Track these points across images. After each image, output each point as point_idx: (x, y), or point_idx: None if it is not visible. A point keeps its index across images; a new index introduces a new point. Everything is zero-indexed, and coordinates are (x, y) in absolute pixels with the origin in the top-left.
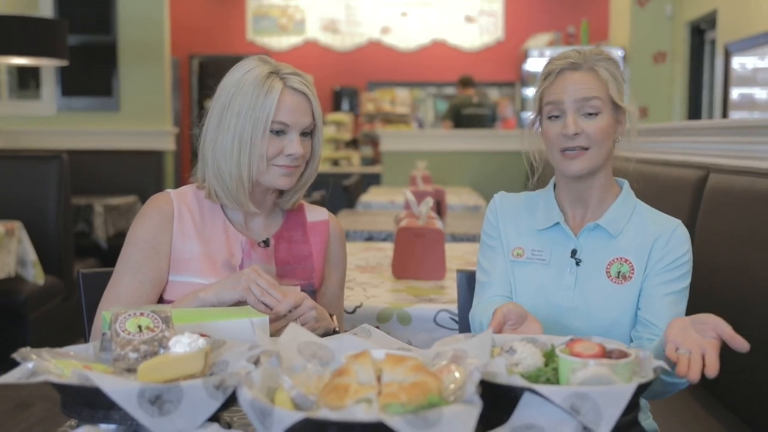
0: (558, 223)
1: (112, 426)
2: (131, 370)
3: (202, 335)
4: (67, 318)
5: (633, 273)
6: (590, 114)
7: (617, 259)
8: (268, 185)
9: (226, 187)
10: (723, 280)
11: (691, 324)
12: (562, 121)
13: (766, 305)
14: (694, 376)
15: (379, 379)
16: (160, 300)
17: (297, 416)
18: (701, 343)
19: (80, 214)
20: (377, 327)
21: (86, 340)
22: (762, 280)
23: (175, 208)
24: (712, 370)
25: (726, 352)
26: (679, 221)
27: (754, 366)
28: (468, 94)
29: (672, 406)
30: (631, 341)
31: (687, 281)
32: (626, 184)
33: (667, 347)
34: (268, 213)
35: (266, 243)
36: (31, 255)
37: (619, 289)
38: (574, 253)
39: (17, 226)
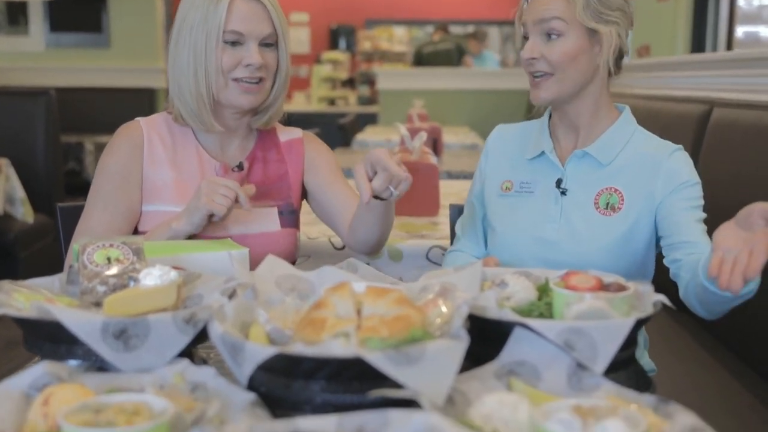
0: (544, 152)
1: (76, 362)
2: (99, 304)
3: (177, 268)
4: (58, 256)
5: (623, 204)
6: (551, 36)
7: (607, 189)
8: (228, 104)
9: (188, 106)
10: (727, 218)
11: (735, 224)
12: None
13: None
14: (735, 286)
15: (359, 312)
16: (136, 232)
17: (269, 351)
18: (750, 239)
19: (71, 152)
20: (367, 264)
21: None
22: None
23: (144, 135)
24: (752, 274)
25: None
26: (680, 146)
27: (755, 306)
28: (434, 37)
29: (671, 346)
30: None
31: (702, 201)
32: (627, 110)
33: (713, 256)
34: (243, 137)
35: (240, 167)
36: (20, 192)
37: (607, 222)
38: (559, 182)
39: (4, 162)
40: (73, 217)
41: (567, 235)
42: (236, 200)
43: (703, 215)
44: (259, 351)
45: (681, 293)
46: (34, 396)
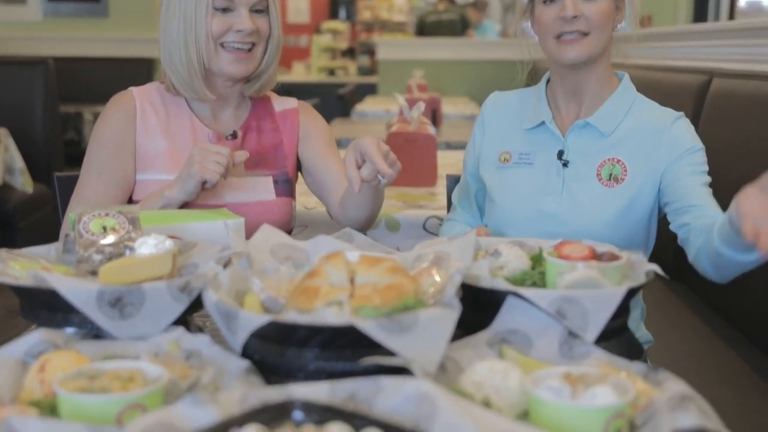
0: (544, 123)
1: (72, 329)
2: (95, 273)
3: (172, 237)
4: (57, 226)
5: (626, 174)
6: None
7: (609, 159)
8: (219, 72)
9: (180, 75)
10: (725, 188)
11: (760, 189)
12: (559, 4)
13: None
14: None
15: (352, 281)
16: (130, 201)
17: (262, 319)
18: None
19: (69, 123)
20: (364, 234)
21: None
22: None
23: (137, 104)
24: None
25: None
26: (681, 113)
27: (753, 277)
28: (438, 6)
29: (668, 317)
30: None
31: (706, 166)
32: (626, 77)
33: (745, 225)
34: (236, 105)
35: (234, 135)
36: (19, 162)
37: (610, 193)
38: (560, 154)
39: (3, 132)
40: (70, 186)
41: (569, 207)
42: (228, 168)
43: (709, 179)
44: (253, 319)
45: (691, 257)
46: (30, 363)
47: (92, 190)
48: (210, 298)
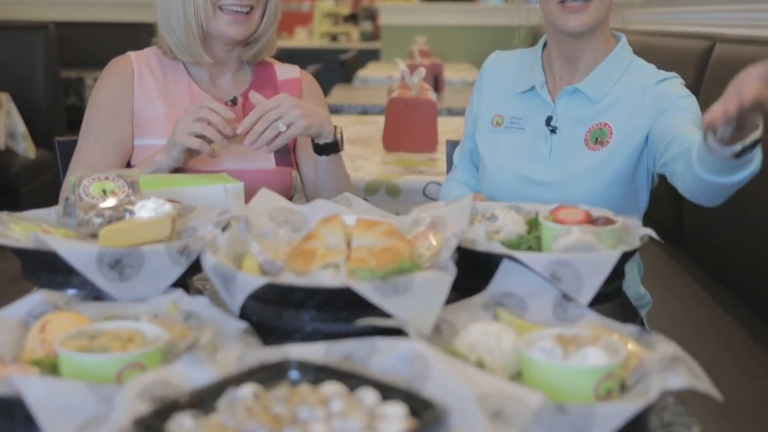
0: (534, 88)
1: (72, 291)
2: (95, 236)
3: (172, 201)
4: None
5: (611, 137)
6: None
7: (597, 124)
8: (217, 34)
9: (177, 38)
10: None
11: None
12: None
13: None
14: (728, 107)
15: (348, 244)
16: (128, 166)
17: (260, 281)
18: (740, 87)
19: (71, 88)
20: (365, 199)
21: None
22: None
23: (135, 69)
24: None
25: (726, 226)
26: (673, 74)
27: (750, 242)
28: None
29: (667, 282)
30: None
31: (698, 113)
32: (623, 39)
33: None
34: (234, 70)
35: (234, 101)
36: (21, 127)
37: (596, 157)
38: (549, 120)
39: (5, 97)
40: (71, 151)
41: (557, 175)
42: (221, 127)
43: (699, 124)
44: (250, 281)
45: (680, 190)
46: (31, 323)
47: (90, 156)
48: (208, 261)
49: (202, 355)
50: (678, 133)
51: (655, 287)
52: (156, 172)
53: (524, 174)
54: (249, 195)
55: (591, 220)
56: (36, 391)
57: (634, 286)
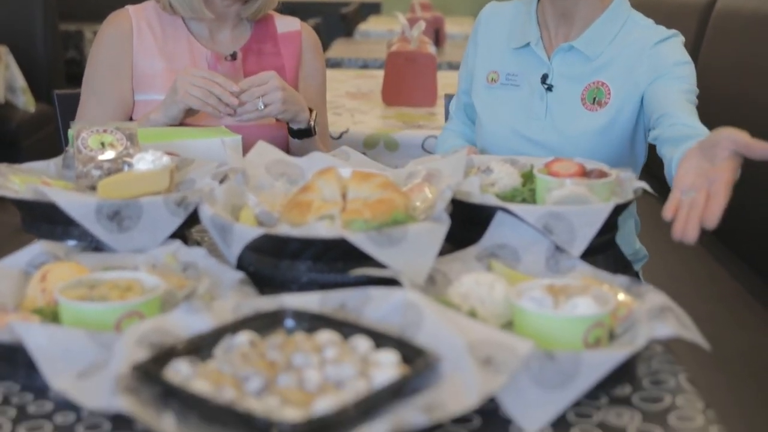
0: (529, 44)
1: (72, 242)
2: (94, 188)
3: (170, 154)
4: (60, 145)
5: (609, 97)
6: None
7: (594, 83)
8: None
9: None
10: (726, 109)
11: (700, 152)
12: None
13: None
14: (690, 236)
15: (344, 196)
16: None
17: (256, 232)
18: (710, 174)
19: (70, 41)
20: (364, 153)
21: None
22: (766, 108)
23: (133, 24)
24: (711, 221)
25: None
26: (674, 31)
27: (749, 198)
28: None
29: (665, 236)
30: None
31: (692, 82)
32: None
33: (671, 196)
34: (233, 25)
35: (233, 56)
36: (20, 81)
37: (593, 117)
38: (544, 78)
39: (3, 50)
40: (70, 104)
41: (552, 133)
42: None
43: (693, 94)
44: (247, 232)
45: (665, 169)
46: (32, 273)
47: (92, 113)
48: (205, 212)
49: (199, 304)
50: (670, 110)
51: (652, 241)
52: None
53: (520, 131)
54: (247, 148)
55: (585, 173)
56: (37, 339)
57: (630, 240)
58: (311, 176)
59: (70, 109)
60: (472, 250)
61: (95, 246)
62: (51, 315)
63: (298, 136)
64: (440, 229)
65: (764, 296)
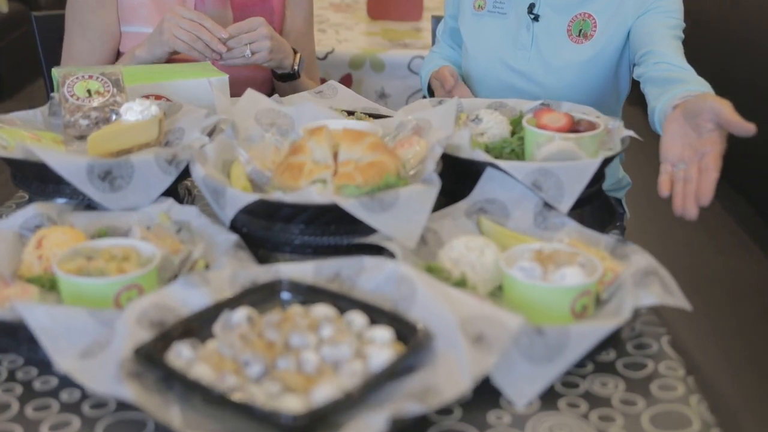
0: None
1: (63, 200)
2: (82, 137)
3: (157, 98)
4: (34, 50)
5: (595, 30)
6: None
7: (580, 14)
8: None
9: None
10: (720, 32)
11: (684, 120)
12: None
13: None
14: (691, 213)
15: (335, 155)
16: (117, 54)
17: (250, 198)
18: (699, 147)
19: None
20: (349, 74)
21: (46, 83)
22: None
23: None
24: (705, 197)
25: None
26: None
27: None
28: None
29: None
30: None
31: (679, 17)
32: None
33: (661, 170)
34: None
35: None
36: None
37: (578, 50)
38: (531, 7)
39: None
40: (49, 27)
41: (537, 64)
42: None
43: (679, 29)
44: (241, 197)
45: (649, 113)
46: (26, 236)
47: (78, 49)
48: (198, 173)
49: (197, 278)
50: (655, 48)
51: (634, 168)
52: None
53: (506, 61)
54: (233, 86)
55: (573, 125)
56: (39, 318)
57: (614, 171)
58: (302, 133)
59: (49, 32)
60: (461, 205)
61: (87, 204)
62: (48, 283)
63: (282, 80)
64: (431, 192)
65: (747, 220)
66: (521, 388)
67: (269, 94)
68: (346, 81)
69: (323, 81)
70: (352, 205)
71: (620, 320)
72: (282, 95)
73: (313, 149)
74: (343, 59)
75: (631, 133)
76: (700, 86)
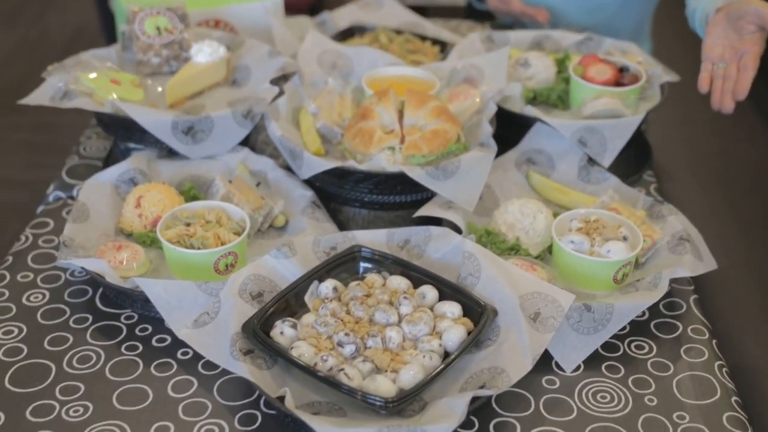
0: None
1: (142, 147)
2: (156, 74)
3: (216, 23)
4: None
5: None
6: None
7: None
8: None
9: None
10: None
11: (727, 22)
12: None
13: None
14: (727, 107)
15: (400, 115)
16: None
17: (325, 165)
18: (739, 46)
19: None
20: None
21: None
22: None
23: None
24: (741, 93)
25: None
26: None
27: None
28: None
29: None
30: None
31: None
32: None
33: (702, 68)
34: None
35: None
36: None
37: None
38: None
39: None
40: None
41: None
42: None
43: None
44: (317, 163)
45: (689, 13)
46: (122, 188)
47: None
48: (274, 133)
49: (285, 250)
50: None
51: (661, 37)
52: None
53: None
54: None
55: (618, 77)
56: (155, 290)
57: (645, 40)
58: (368, 101)
59: None
60: (511, 156)
61: (168, 150)
62: (150, 240)
63: None
64: (488, 158)
65: None
66: (569, 356)
67: (315, 4)
68: None
69: None
70: (419, 175)
71: (658, 294)
72: (329, 8)
73: (381, 114)
74: None
75: (671, 77)
76: None
